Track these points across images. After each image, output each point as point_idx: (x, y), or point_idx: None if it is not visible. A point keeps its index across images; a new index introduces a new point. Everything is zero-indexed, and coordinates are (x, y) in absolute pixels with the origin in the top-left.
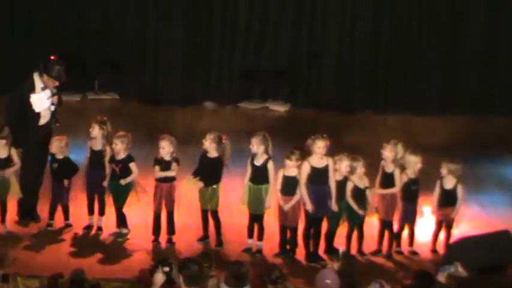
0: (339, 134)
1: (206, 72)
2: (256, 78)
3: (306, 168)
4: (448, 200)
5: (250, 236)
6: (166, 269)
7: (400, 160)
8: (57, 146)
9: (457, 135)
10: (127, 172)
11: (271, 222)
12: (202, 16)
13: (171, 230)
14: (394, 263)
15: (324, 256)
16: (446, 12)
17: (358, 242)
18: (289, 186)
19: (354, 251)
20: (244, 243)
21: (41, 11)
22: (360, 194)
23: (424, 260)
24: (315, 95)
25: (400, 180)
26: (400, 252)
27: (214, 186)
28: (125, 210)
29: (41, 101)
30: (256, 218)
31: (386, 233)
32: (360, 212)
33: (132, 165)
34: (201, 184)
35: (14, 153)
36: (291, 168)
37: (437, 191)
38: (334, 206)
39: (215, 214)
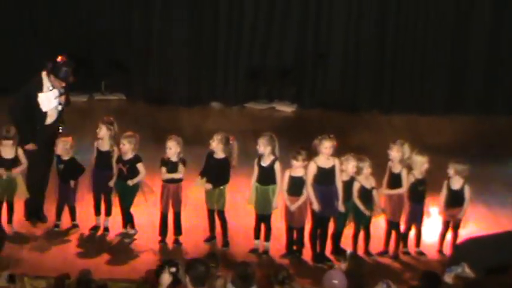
0: (345, 134)
1: (212, 72)
2: (262, 78)
3: (312, 169)
4: (455, 201)
5: (257, 236)
6: (173, 269)
7: (407, 160)
8: (62, 148)
9: (463, 135)
10: (134, 172)
11: (277, 222)
12: (208, 16)
13: (177, 230)
14: (401, 264)
15: (331, 257)
16: (452, 12)
17: (365, 243)
18: (296, 186)
19: (360, 251)
20: (250, 243)
21: (47, 12)
22: (366, 195)
23: (431, 261)
24: (321, 96)
25: (407, 180)
26: (407, 253)
27: (222, 187)
28: (131, 210)
29: (48, 100)
30: (263, 219)
31: (393, 234)
32: (367, 212)
33: (140, 166)
34: (209, 186)
35: (21, 153)
36: (297, 168)
37: (444, 192)
38: (341, 207)
39: (222, 214)
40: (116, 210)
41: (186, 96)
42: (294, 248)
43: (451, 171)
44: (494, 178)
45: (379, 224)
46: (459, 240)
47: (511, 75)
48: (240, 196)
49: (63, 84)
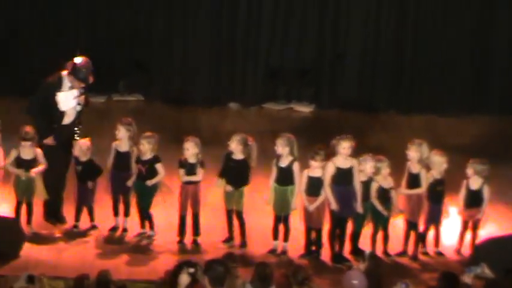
0: (363, 134)
1: (231, 73)
2: (280, 79)
3: (330, 169)
4: (474, 201)
5: (275, 237)
6: (191, 270)
7: (426, 160)
8: (80, 149)
9: (482, 135)
10: (153, 173)
11: (296, 223)
12: (227, 17)
13: (196, 231)
14: (420, 264)
15: (349, 257)
16: (472, 11)
17: (383, 243)
18: (314, 186)
19: (379, 252)
20: (269, 244)
21: (68, 12)
22: (384, 195)
23: (450, 261)
24: (340, 96)
25: (426, 181)
26: (426, 254)
27: (241, 188)
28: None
29: (67, 100)
30: (281, 219)
31: (412, 234)
32: (385, 212)
33: (159, 166)
34: (230, 188)
35: (40, 154)
36: (315, 168)
37: (463, 192)
38: (359, 208)
39: (240, 215)
40: (134, 210)
41: (205, 97)
42: (313, 248)
43: (469, 171)
44: None
45: (397, 224)
46: (478, 240)
47: None
48: (258, 196)
49: (83, 85)
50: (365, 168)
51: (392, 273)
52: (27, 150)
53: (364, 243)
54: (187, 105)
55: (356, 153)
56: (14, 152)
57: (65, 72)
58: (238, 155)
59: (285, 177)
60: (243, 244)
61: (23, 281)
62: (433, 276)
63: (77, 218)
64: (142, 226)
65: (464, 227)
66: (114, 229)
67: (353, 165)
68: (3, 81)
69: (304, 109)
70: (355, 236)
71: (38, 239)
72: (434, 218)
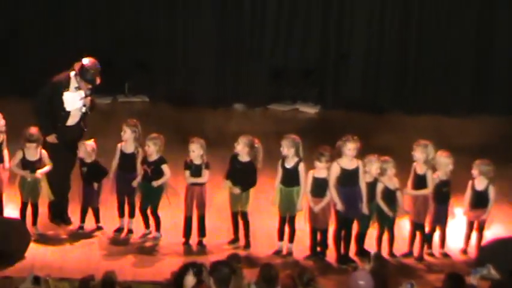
0: (368, 135)
1: (235, 74)
2: (285, 79)
3: (335, 170)
4: (479, 202)
5: (281, 238)
6: (196, 271)
7: (431, 161)
8: (84, 151)
9: (488, 136)
10: (159, 174)
11: (301, 224)
12: (231, 17)
13: (201, 232)
14: (426, 265)
15: (355, 258)
16: (475, 12)
17: (389, 244)
18: (319, 187)
19: (384, 253)
20: (274, 245)
21: (71, 13)
22: (390, 196)
23: (455, 262)
24: (345, 96)
25: (432, 181)
26: (432, 254)
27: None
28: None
29: (73, 100)
30: (287, 221)
31: (417, 235)
32: (390, 213)
33: (165, 167)
34: (238, 190)
35: (45, 156)
36: (321, 169)
37: (468, 192)
38: (365, 209)
39: (244, 215)
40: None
41: (210, 98)
42: (318, 249)
43: (475, 172)
44: None
45: (403, 225)
46: (484, 241)
47: None
48: (263, 197)
49: (89, 87)
50: (370, 169)
51: (398, 274)
52: (32, 152)
53: (370, 244)
54: (192, 107)
55: (361, 154)
56: (19, 154)
57: (72, 73)
58: (245, 157)
59: (291, 178)
60: (247, 245)
61: (29, 283)
62: (439, 277)
63: (83, 219)
64: (146, 226)
65: (470, 228)
66: (119, 230)
67: (358, 166)
68: (5, 82)
69: (309, 110)
70: (361, 237)
71: (44, 240)
72: (440, 219)
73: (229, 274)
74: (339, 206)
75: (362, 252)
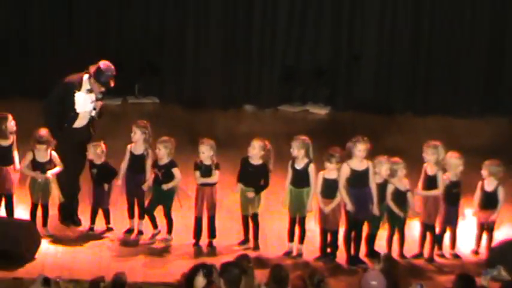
0: (379, 136)
1: (246, 75)
2: (296, 80)
3: (345, 171)
4: (489, 202)
5: (291, 239)
6: (207, 272)
7: (441, 162)
8: (93, 152)
9: (498, 137)
10: (169, 177)
11: (311, 225)
12: (242, 19)
13: (212, 233)
14: (436, 266)
15: (365, 259)
16: (487, 13)
17: (399, 245)
18: (330, 188)
19: (395, 254)
20: (284, 246)
21: (81, 15)
22: (400, 197)
23: (466, 263)
24: (355, 98)
25: (442, 182)
26: (442, 256)
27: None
28: (157, 215)
29: (84, 102)
30: (297, 222)
31: (428, 236)
32: (401, 214)
33: (175, 171)
34: (252, 194)
35: (55, 157)
36: (331, 171)
37: (478, 193)
38: (376, 210)
39: (255, 217)
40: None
41: (220, 99)
42: (328, 250)
43: (485, 172)
44: None
45: (413, 226)
46: (494, 242)
47: None
48: (273, 198)
49: (102, 89)
50: (380, 170)
51: (408, 275)
52: (42, 153)
53: (380, 246)
54: (203, 108)
55: (372, 155)
56: (29, 155)
57: (86, 76)
58: (257, 160)
59: (301, 179)
60: (256, 247)
61: (39, 284)
62: (449, 279)
63: (93, 221)
64: (154, 226)
65: (481, 229)
66: (129, 231)
67: (368, 167)
68: (14, 83)
69: (320, 111)
70: (371, 238)
71: (54, 241)
72: (451, 220)
73: (239, 275)
74: (349, 207)
75: (372, 254)
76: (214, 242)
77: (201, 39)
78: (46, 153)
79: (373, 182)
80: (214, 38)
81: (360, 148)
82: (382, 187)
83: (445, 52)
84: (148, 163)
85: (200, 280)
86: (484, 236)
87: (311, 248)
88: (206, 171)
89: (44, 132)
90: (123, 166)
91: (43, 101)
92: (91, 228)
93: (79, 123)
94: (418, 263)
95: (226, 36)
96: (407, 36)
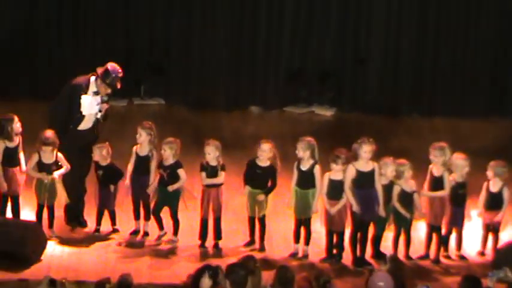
0: (385, 138)
1: (251, 76)
2: (301, 82)
3: (351, 172)
4: (494, 203)
5: (297, 240)
6: (213, 273)
7: (447, 164)
8: (99, 154)
9: (504, 138)
10: (175, 178)
11: (317, 226)
12: (248, 20)
13: (218, 235)
14: (442, 268)
15: (371, 261)
16: (493, 15)
17: (405, 246)
18: (335, 190)
19: (400, 255)
20: (290, 248)
21: (87, 16)
22: (407, 198)
23: (472, 265)
24: (361, 99)
25: (448, 183)
26: (448, 257)
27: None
28: (163, 216)
29: (90, 104)
30: (302, 223)
31: (434, 238)
32: (408, 215)
33: (181, 172)
34: (263, 197)
35: (61, 158)
36: (337, 172)
37: (483, 194)
38: (382, 212)
39: (262, 219)
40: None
41: (226, 100)
42: (334, 252)
43: (490, 173)
44: None
45: (419, 227)
46: (500, 243)
47: None
48: (279, 200)
49: (109, 91)
50: (386, 171)
51: (414, 276)
52: (48, 155)
53: (386, 247)
54: (208, 109)
55: (378, 156)
56: (35, 157)
57: (93, 77)
58: (265, 162)
59: (306, 181)
60: (262, 248)
61: (45, 285)
62: (455, 280)
63: (99, 222)
64: (160, 228)
65: (487, 230)
66: (135, 233)
67: (374, 168)
68: (20, 84)
69: (326, 112)
70: (377, 240)
71: (60, 242)
72: (457, 221)
73: (245, 276)
74: (355, 208)
75: (378, 255)
76: (220, 243)
77: (206, 41)
78: (52, 154)
79: (379, 183)
80: (220, 40)
81: (366, 149)
82: (388, 188)
83: (451, 53)
84: (153, 164)
85: (206, 281)
86: (490, 237)
87: (317, 249)
88: (212, 172)
89: (49, 133)
90: (130, 168)
91: (50, 103)
92: (97, 230)
93: (84, 125)
94: (424, 264)
95: (232, 38)
96: (413, 38)
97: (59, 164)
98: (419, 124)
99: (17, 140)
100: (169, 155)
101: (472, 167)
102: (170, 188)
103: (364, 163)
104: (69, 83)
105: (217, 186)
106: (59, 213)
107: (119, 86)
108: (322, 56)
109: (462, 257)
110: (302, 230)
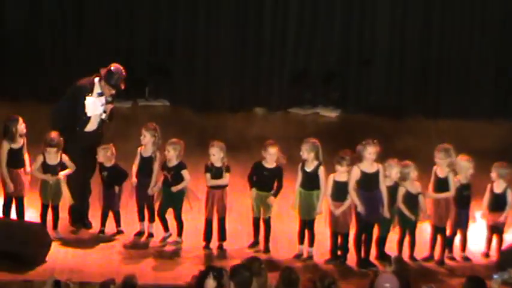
0: (389, 139)
1: (256, 78)
2: (306, 83)
3: (355, 173)
4: (498, 205)
5: (301, 242)
6: (217, 275)
7: (452, 165)
8: (104, 155)
9: (508, 140)
10: (179, 179)
11: (321, 228)
12: (252, 22)
13: (222, 236)
14: (446, 269)
15: (375, 262)
16: (497, 17)
17: (410, 248)
18: (340, 191)
19: (405, 256)
20: (294, 249)
21: (91, 17)
22: (412, 200)
23: (476, 266)
24: (366, 101)
25: (454, 184)
26: (453, 258)
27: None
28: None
29: (95, 106)
30: (307, 224)
31: (439, 239)
32: (412, 217)
33: (184, 173)
34: (273, 199)
35: (66, 159)
36: (341, 173)
37: (487, 195)
38: (386, 213)
39: (268, 221)
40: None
41: (230, 102)
42: (339, 253)
43: (493, 174)
44: None
45: (423, 229)
46: (504, 244)
47: None
48: (283, 201)
49: (113, 92)
50: (390, 173)
51: (419, 278)
52: (53, 156)
53: (390, 248)
54: (213, 110)
55: (382, 158)
56: (40, 158)
57: (96, 79)
58: (271, 164)
59: (311, 182)
60: (266, 249)
61: (49, 286)
62: (460, 281)
63: (103, 223)
64: (165, 229)
65: (491, 231)
66: (139, 234)
67: (379, 170)
68: (24, 86)
69: (330, 114)
70: (381, 241)
71: (64, 244)
72: (461, 223)
73: (249, 278)
74: (360, 209)
75: (382, 256)
76: (225, 244)
77: (211, 42)
78: (56, 156)
79: (383, 185)
80: (224, 41)
81: (370, 151)
82: (392, 190)
83: (455, 55)
84: (156, 165)
85: (210, 283)
86: (494, 239)
87: (321, 250)
88: (217, 173)
89: (54, 135)
90: (134, 169)
91: (53, 104)
92: (101, 231)
93: (90, 127)
94: (428, 266)
95: (236, 39)
96: (417, 39)
97: (64, 165)
98: (424, 125)
99: (22, 141)
100: (172, 156)
101: (477, 169)
102: (174, 189)
103: (369, 164)
104: (74, 84)
105: (222, 187)
106: (64, 214)
107: (122, 87)
108: (326, 57)
109: (466, 258)
110: (306, 231)
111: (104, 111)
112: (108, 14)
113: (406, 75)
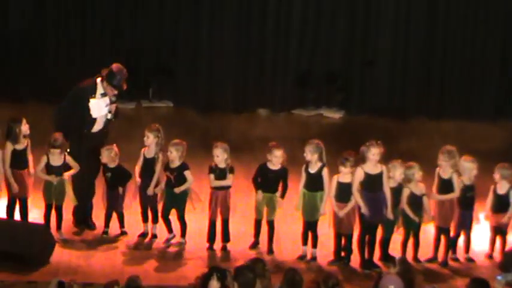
0: (393, 140)
1: (260, 79)
2: (309, 84)
3: (359, 175)
4: (501, 206)
5: (305, 243)
6: (221, 276)
7: (456, 166)
8: (107, 156)
9: (511, 141)
10: (182, 180)
11: (325, 229)
12: (256, 23)
13: (225, 237)
14: (450, 270)
15: (379, 263)
16: (501, 18)
17: (414, 249)
18: (344, 192)
19: (409, 258)
20: (298, 250)
21: (95, 19)
22: (416, 201)
23: (480, 267)
24: (369, 102)
25: (458, 185)
26: (456, 260)
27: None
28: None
29: (99, 107)
30: (310, 225)
31: (442, 240)
32: (416, 219)
33: (187, 173)
34: (282, 201)
35: (70, 160)
36: (345, 174)
37: (490, 196)
38: (390, 214)
39: (271, 222)
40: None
41: (234, 103)
42: (342, 254)
43: (497, 176)
44: None
45: (427, 230)
46: (508, 246)
47: None
48: (287, 202)
49: (115, 92)
50: (394, 174)
51: (423, 279)
52: (57, 157)
53: (394, 249)
54: (216, 111)
55: (386, 159)
56: (44, 159)
57: (99, 79)
58: (276, 165)
59: (314, 183)
60: (270, 251)
61: (53, 287)
62: (464, 282)
63: (107, 224)
64: (169, 231)
65: (494, 233)
66: (143, 235)
67: (382, 171)
68: (27, 87)
69: (334, 115)
70: (385, 242)
71: (68, 245)
72: (465, 224)
73: (253, 279)
74: (364, 210)
75: (386, 258)
76: (228, 246)
77: (215, 43)
78: (60, 157)
79: (387, 186)
80: (228, 42)
81: (374, 152)
82: (396, 191)
83: (459, 56)
84: (158, 166)
85: (214, 284)
86: (498, 240)
87: (325, 251)
88: (220, 174)
89: (58, 136)
90: (137, 169)
91: (57, 105)
92: (105, 232)
93: (96, 127)
94: (432, 267)
95: (240, 40)
96: (421, 40)
97: (68, 166)
98: (428, 126)
99: (25, 142)
100: (175, 157)
101: (480, 170)
102: (177, 190)
103: (373, 166)
104: (76, 86)
105: (226, 188)
106: (67, 215)
107: (125, 87)
108: (330, 58)
109: (470, 260)
110: (310, 232)
111: (109, 112)
112: (112, 15)
113: (410, 76)
